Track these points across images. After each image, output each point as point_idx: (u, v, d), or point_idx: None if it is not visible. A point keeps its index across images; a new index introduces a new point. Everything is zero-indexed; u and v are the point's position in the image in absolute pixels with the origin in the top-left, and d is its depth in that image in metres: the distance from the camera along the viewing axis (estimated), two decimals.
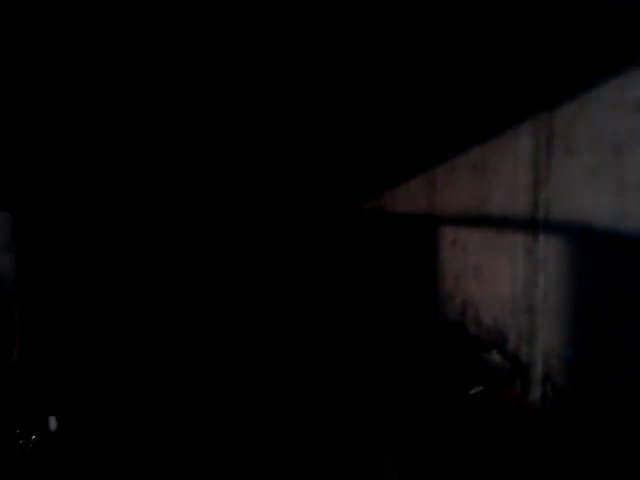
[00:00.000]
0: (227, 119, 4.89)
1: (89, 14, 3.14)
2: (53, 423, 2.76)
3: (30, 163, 4.01)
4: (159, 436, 3.64)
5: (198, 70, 4.20)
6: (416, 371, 4.46)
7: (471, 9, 3.47)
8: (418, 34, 4.04)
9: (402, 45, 4.20)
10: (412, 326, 4.72)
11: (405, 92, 4.49)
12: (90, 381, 4.10)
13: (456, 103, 3.89)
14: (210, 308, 5.12)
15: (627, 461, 2.44)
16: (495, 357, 3.62)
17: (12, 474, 2.47)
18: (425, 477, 2.97)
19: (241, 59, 4.00)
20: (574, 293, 2.74)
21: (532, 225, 3.09)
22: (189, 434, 3.69)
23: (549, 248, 2.94)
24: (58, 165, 4.11)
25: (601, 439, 2.60)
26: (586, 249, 2.61)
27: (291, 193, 5.51)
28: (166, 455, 3.40)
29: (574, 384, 2.79)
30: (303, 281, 5.56)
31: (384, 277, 5.14)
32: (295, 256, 5.53)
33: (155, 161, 4.65)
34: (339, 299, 5.55)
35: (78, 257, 4.26)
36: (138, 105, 4.25)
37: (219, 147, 4.97)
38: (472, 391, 3.81)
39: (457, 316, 4.07)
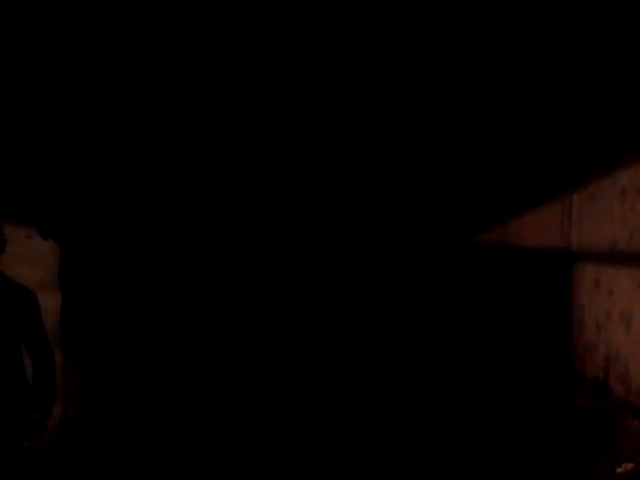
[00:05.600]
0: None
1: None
2: None
3: (80, 184, 4.05)
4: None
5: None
6: (548, 438, 3.79)
7: None
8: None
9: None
10: (541, 384, 4.06)
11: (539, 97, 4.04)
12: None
13: (599, 109, 3.36)
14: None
15: None
16: None
17: None
18: None
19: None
20: None
21: None
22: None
23: None
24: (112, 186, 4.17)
25: None
26: None
27: (391, 221, 5.14)
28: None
29: None
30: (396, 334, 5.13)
31: (505, 324, 4.55)
32: (386, 302, 5.13)
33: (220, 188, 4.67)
34: (455, 351, 5.02)
35: (132, 293, 4.16)
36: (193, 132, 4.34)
37: (305, 167, 4.88)
38: (620, 469, 3.09)
39: (598, 373, 3.38)
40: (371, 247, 5.05)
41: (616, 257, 3.16)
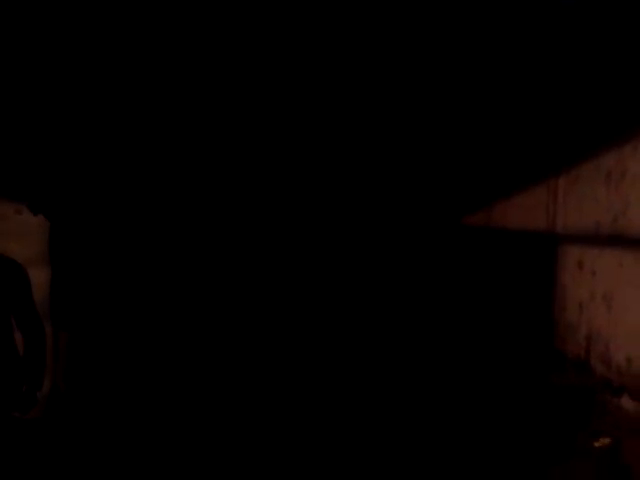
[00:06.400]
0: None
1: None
2: None
3: (70, 158, 4.04)
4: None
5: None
6: (528, 416, 3.90)
7: None
8: None
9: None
10: (525, 362, 4.16)
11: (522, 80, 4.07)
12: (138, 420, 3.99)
13: (584, 88, 3.40)
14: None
15: None
16: (627, 404, 3.00)
17: None
18: None
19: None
20: None
21: None
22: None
23: None
24: (104, 161, 4.16)
25: None
26: None
27: (383, 204, 5.16)
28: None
29: None
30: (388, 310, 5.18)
31: (489, 303, 4.63)
32: (378, 279, 5.17)
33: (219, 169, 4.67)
34: (441, 331, 5.10)
35: (123, 268, 4.19)
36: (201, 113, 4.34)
37: (299, 151, 4.89)
38: (597, 444, 3.19)
39: (580, 352, 3.47)
40: (358, 231, 5.08)
41: (600, 239, 3.23)
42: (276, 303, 4.85)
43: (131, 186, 4.31)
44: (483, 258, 4.72)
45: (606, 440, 3.16)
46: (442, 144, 5.04)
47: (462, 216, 4.98)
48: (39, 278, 3.46)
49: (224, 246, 4.72)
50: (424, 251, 5.24)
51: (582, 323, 3.43)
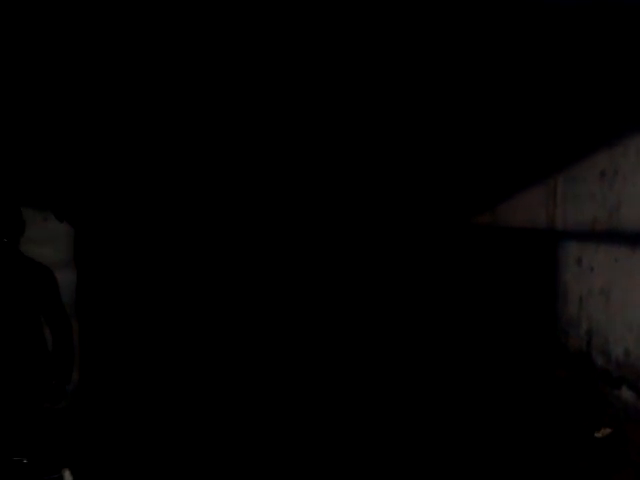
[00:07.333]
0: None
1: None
2: (68, 477, 2.72)
3: (92, 169, 4.28)
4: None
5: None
6: (532, 409, 3.99)
7: None
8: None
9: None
10: (529, 356, 4.25)
11: (524, 91, 4.18)
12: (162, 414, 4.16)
13: (579, 97, 3.50)
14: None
15: None
16: (626, 395, 3.09)
17: None
18: None
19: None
20: None
21: None
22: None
23: None
24: (121, 175, 4.39)
25: None
26: None
27: (394, 205, 5.34)
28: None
29: None
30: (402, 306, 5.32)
31: (497, 300, 4.73)
32: (393, 278, 5.32)
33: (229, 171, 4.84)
34: (447, 325, 5.21)
35: (142, 271, 4.43)
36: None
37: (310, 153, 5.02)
38: (598, 434, 3.29)
39: (581, 346, 3.57)
40: (378, 230, 5.27)
41: (596, 235, 3.33)
42: (287, 297, 5.01)
43: (151, 194, 4.54)
44: (489, 255, 4.84)
45: (607, 431, 3.26)
46: (451, 151, 5.19)
47: (470, 216, 5.10)
48: (66, 280, 3.68)
49: (238, 248, 4.91)
50: (436, 248, 5.38)
51: (582, 318, 3.53)
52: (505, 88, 4.37)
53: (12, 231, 2.72)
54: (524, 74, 4.05)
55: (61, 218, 3.85)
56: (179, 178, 4.72)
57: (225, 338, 4.83)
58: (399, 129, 5.16)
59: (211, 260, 4.81)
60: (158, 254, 4.61)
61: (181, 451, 3.60)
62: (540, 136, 4.01)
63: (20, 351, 2.72)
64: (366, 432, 3.90)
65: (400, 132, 5.19)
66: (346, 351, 5.03)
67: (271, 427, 3.97)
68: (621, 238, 3.07)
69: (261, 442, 3.73)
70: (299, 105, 4.90)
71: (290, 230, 5.14)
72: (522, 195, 4.19)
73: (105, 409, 3.97)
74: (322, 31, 3.74)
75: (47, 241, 3.61)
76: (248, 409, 4.26)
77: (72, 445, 3.47)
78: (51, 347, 2.83)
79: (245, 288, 4.95)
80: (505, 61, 3.98)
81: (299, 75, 4.44)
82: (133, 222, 4.49)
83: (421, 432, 3.88)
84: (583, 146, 3.44)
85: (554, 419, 3.75)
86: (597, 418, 3.38)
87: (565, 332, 3.73)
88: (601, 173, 3.23)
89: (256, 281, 5.00)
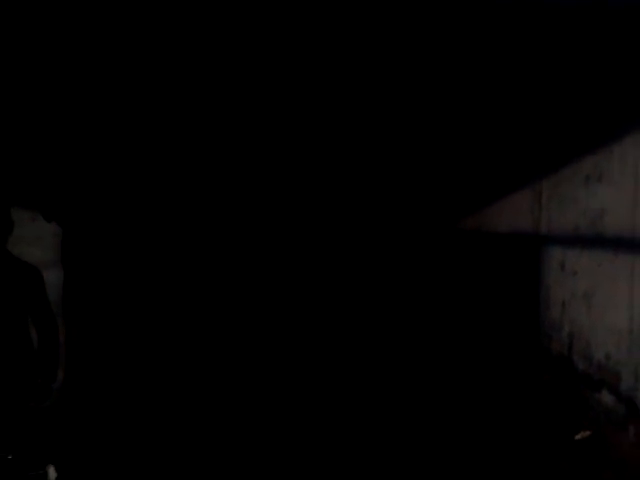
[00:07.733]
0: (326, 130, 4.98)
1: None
2: (52, 474, 2.73)
3: (80, 170, 4.29)
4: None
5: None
6: (515, 412, 4.03)
7: None
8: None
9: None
10: (511, 359, 4.29)
11: (510, 97, 4.20)
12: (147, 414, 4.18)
13: (563, 103, 3.53)
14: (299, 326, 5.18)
15: None
16: (606, 398, 3.13)
17: None
18: None
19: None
20: None
21: None
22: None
23: None
24: (109, 175, 4.39)
25: None
26: None
27: (379, 210, 5.37)
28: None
29: None
30: (386, 308, 5.35)
31: (482, 304, 4.76)
32: (379, 281, 5.35)
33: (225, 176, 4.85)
34: (434, 328, 5.25)
35: (128, 271, 4.44)
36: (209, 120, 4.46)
37: (305, 161, 5.04)
38: (578, 436, 3.33)
39: (563, 349, 3.61)
40: (362, 234, 5.27)
41: (580, 239, 3.36)
42: (279, 304, 5.03)
43: (136, 195, 4.55)
44: (475, 259, 4.87)
45: (586, 433, 3.30)
46: (439, 157, 5.21)
47: (456, 220, 5.13)
48: (53, 279, 3.70)
49: (230, 250, 4.93)
50: (422, 253, 5.40)
51: (565, 322, 3.56)
52: (493, 93, 4.39)
53: (0, 231, 2.73)
54: (512, 79, 4.07)
55: (49, 218, 3.87)
56: (165, 179, 4.73)
57: (211, 334, 4.85)
58: (387, 133, 5.18)
59: (197, 258, 4.83)
60: (144, 253, 4.63)
61: (167, 448, 3.62)
62: (527, 141, 4.04)
63: (6, 349, 2.74)
64: (354, 434, 3.94)
65: (388, 137, 5.21)
66: (331, 353, 5.06)
67: (267, 427, 4.00)
68: (604, 243, 3.10)
69: (253, 443, 3.76)
70: (292, 111, 4.91)
71: (278, 233, 5.16)
72: (508, 199, 4.22)
73: (90, 407, 4.00)
74: (320, 34, 3.75)
75: (35, 241, 3.63)
76: (239, 408, 4.29)
77: (57, 442, 3.50)
78: (36, 345, 2.86)
79: (234, 285, 4.97)
80: (492, 68, 4.00)
81: (297, 79, 4.46)
82: (120, 222, 4.51)
83: (407, 434, 3.91)
84: (569, 151, 3.46)
85: (537, 422, 3.80)
86: (578, 421, 3.42)
87: (548, 336, 3.77)
88: (586, 178, 3.26)
89: (243, 280, 5.02)
